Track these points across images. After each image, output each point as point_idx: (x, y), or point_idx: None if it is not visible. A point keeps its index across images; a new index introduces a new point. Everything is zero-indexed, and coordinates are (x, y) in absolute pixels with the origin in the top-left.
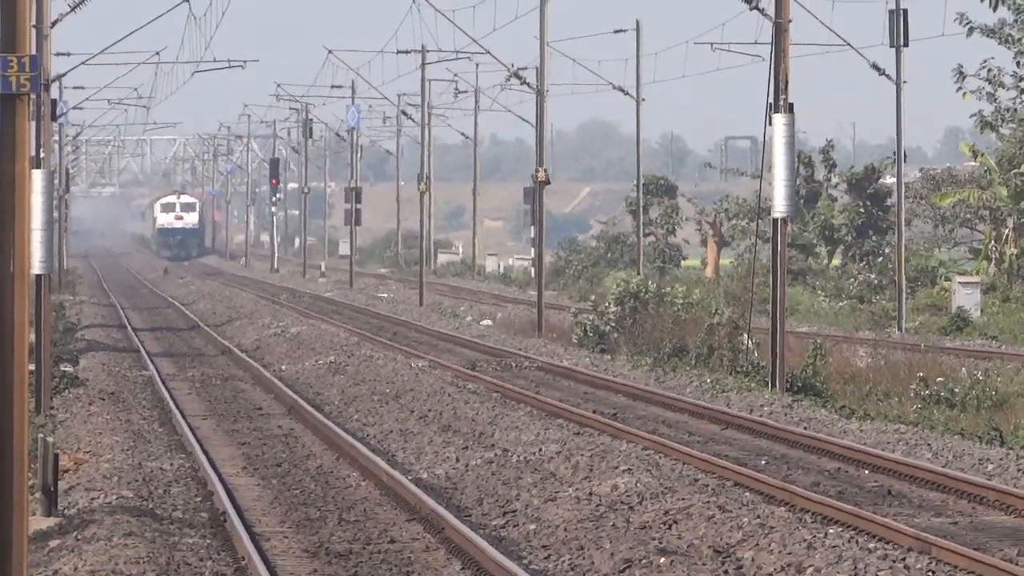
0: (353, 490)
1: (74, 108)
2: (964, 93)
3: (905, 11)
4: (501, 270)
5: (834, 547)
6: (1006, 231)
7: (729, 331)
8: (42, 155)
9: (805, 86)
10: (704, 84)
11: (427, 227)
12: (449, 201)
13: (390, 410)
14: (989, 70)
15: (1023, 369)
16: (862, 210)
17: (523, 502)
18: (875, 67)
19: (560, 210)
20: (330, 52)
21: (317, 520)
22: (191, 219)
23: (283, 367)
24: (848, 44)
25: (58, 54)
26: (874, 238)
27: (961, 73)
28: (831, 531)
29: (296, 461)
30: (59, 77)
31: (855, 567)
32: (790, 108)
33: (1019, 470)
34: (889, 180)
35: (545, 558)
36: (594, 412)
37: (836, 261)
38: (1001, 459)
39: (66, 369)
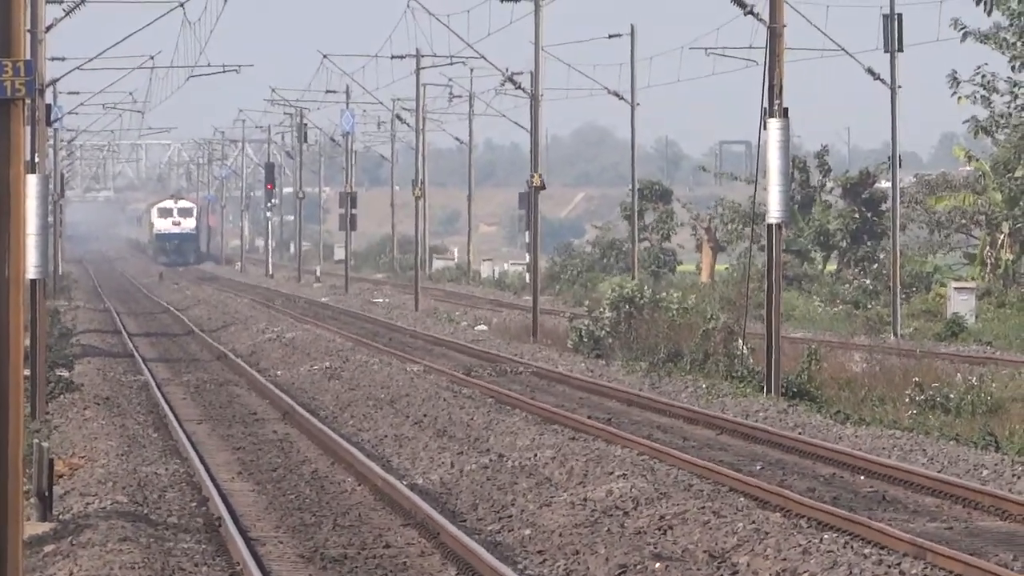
0: (348, 495)
1: (69, 113)
2: (959, 98)
3: (900, 16)
4: (496, 275)
5: (829, 552)
6: (1001, 236)
7: (724, 336)
8: (37, 160)
9: (800, 91)
10: (699, 89)
11: (422, 232)
12: (444, 206)
13: (385, 415)
14: (983, 75)
15: (1018, 374)
16: (857, 215)
17: (518, 507)
18: (870, 72)
19: (555, 215)
20: (325, 57)
21: (312, 525)
22: (188, 224)
23: (278, 372)
24: (843, 49)
25: (53, 59)
26: (869, 243)
27: (955, 78)
28: (826, 536)
29: (291, 466)
30: (54, 82)
31: (850, 572)
32: (785, 113)
33: (1014, 475)
34: (884, 185)
35: (540, 563)
36: (589, 417)
37: (831, 266)
38: (996, 464)
39: (61, 374)
